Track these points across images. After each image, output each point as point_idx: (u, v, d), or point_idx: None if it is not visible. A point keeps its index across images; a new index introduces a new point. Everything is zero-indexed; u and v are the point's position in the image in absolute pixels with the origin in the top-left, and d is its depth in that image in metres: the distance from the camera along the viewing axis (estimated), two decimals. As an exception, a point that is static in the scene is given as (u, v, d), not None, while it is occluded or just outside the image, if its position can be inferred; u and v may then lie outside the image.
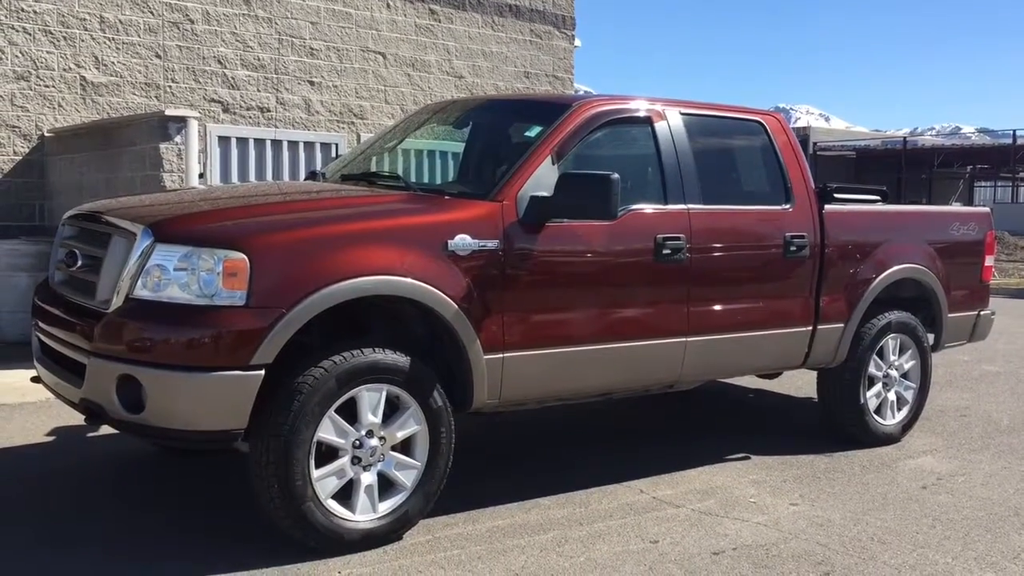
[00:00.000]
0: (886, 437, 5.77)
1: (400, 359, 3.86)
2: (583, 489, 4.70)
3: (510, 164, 4.39)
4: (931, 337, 6.08)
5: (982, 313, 6.36)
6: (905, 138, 49.17)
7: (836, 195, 5.48)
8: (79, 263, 4.00)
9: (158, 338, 3.58)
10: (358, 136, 11.41)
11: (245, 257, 3.56)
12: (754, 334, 5.06)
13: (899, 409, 5.88)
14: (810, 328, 5.31)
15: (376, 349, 3.82)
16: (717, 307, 4.88)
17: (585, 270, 4.41)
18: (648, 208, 4.66)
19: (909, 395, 5.91)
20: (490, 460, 5.20)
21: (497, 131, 5.27)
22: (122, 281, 3.67)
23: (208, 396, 3.54)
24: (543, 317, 4.28)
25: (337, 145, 9.31)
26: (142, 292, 3.63)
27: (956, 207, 7.28)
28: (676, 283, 4.71)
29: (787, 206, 5.23)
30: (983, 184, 49.39)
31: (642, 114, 4.83)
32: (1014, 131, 40.43)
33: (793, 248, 5.15)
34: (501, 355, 4.15)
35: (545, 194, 4.22)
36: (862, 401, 5.64)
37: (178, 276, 3.60)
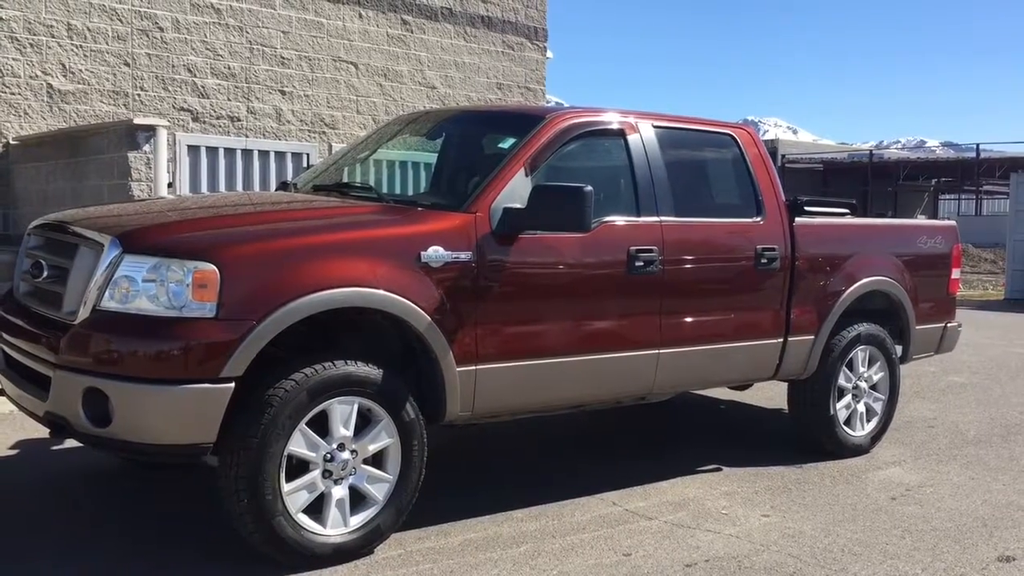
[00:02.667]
0: (855, 448, 5.81)
1: (372, 371, 3.83)
2: (556, 502, 4.68)
3: (483, 176, 4.38)
4: (899, 349, 6.13)
5: (949, 325, 6.43)
6: (871, 151, 49.81)
7: (806, 208, 5.52)
8: (45, 274, 3.94)
9: (126, 350, 3.52)
10: (329, 146, 11.35)
11: (215, 268, 3.52)
12: (726, 346, 5.08)
13: (868, 420, 5.93)
14: (781, 340, 5.34)
15: (348, 361, 3.79)
16: (689, 319, 4.89)
17: (558, 282, 4.40)
18: (621, 220, 4.66)
19: (878, 407, 5.96)
20: (462, 472, 5.17)
21: (470, 142, 5.26)
22: (89, 292, 3.61)
23: (176, 409, 3.49)
24: (516, 329, 4.27)
25: (308, 155, 9.26)
26: (110, 304, 3.58)
27: (923, 220, 7.36)
28: (649, 295, 4.72)
29: (758, 218, 5.26)
30: (947, 197, 50.13)
31: (615, 126, 4.84)
32: (977, 145, 41.20)
33: (764, 260, 5.18)
34: (474, 367, 4.13)
35: (518, 206, 4.21)
36: (832, 412, 5.67)
37: (147, 287, 3.55)
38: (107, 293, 3.58)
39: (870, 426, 5.93)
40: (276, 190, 5.98)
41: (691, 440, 6.18)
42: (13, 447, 5.38)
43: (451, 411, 4.11)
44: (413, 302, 3.89)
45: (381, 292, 3.81)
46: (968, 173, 42.43)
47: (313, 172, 5.60)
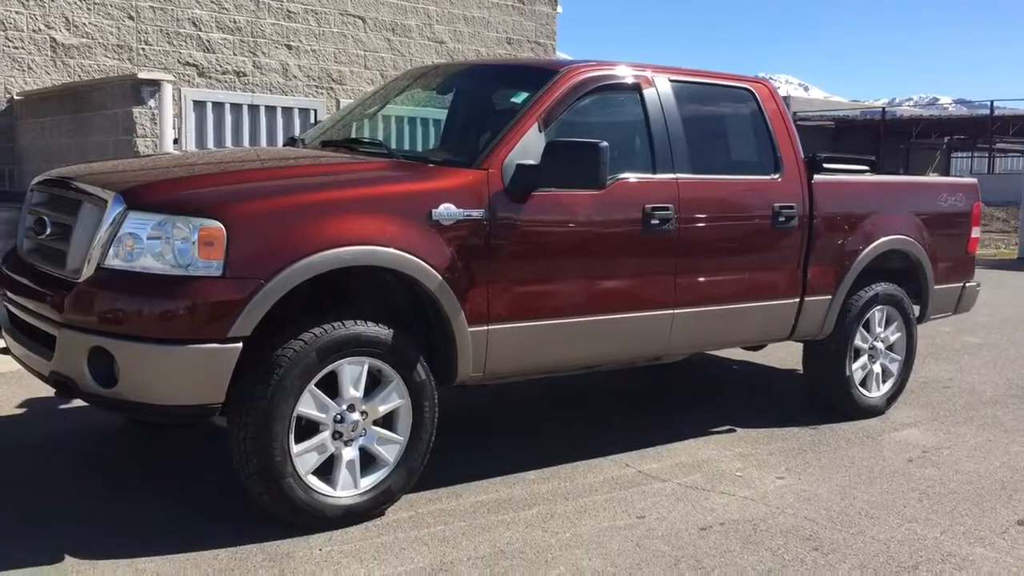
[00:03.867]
0: (871, 409, 5.74)
1: (382, 331, 3.75)
2: (568, 463, 4.63)
3: (495, 131, 4.26)
4: (916, 309, 6.04)
5: (967, 285, 6.32)
6: (884, 108, 49.22)
7: (825, 165, 5.39)
8: (48, 231, 3.86)
9: (131, 309, 3.45)
10: (337, 102, 11.22)
11: (221, 226, 3.43)
12: (742, 306, 4.99)
13: (884, 381, 5.85)
14: (797, 300, 5.24)
15: (358, 321, 3.71)
16: (705, 278, 4.79)
17: (572, 241, 4.30)
18: (636, 177, 4.55)
19: (894, 367, 5.88)
20: (473, 433, 5.12)
21: (482, 97, 5.13)
22: (93, 250, 3.53)
23: (183, 369, 3.42)
24: (529, 288, 4.18)
25: (315, 111, 9.13)
26: (114, 262, 3.49)
27: (944, 178, 7.18)
28: (664, 254, 4.62)
29: (776, 176, 5.14)
30: (960, 155, 49.60)
31: (631, 80, 4.71)
32: (991, 102, 40.59)
33: (782, 219, 5.06)
34: (486, 327, 4.05)
35: (532, 162, 4.10)
36: (848, 373, 5.59)
37: (151, 245, 3.47)
38: (111, 251, 3.49)
39: (886, 387, 5.85)
40: (284, 146, 5.87)
41: (703, 400, 6.12)
42: (20, 405, 5.34)
43: (462, 372, 4.04)
44: (424, 260, 3.80)
45: (391, 250, 3.72)
46: (981, 131, 41.88)
47: (321, 128, 5.49)
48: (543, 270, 4.22)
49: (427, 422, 3.93)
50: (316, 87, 11.42)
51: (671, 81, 4.83)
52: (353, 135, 5.21)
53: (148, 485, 4.18)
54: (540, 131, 4.23)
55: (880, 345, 5.78)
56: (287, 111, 8.94)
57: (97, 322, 3.47)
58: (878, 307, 5.69)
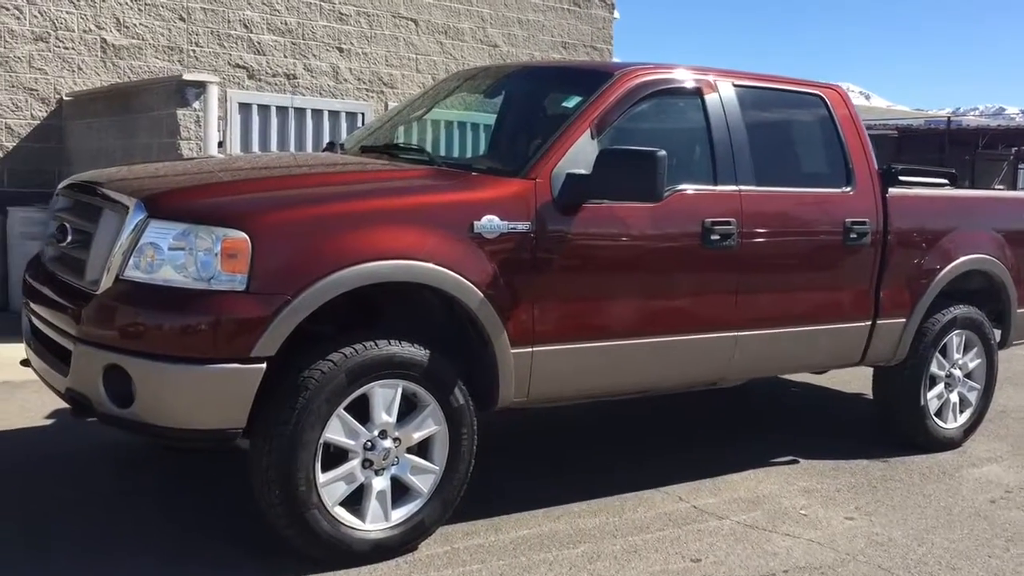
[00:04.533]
0: (947, 442, 5.32)
1: (418, 353, 3.47)
2: (616, 495, 4.30)
3: (545, 138, 3.96)
4: (997, 334, 5.59)
5: (1051, 309, 5.85)
6: (949, 118, 47.86)
7: (901, 177, 4.99)
8: (69, 238, 3.65)
9: (148, 325, 3.21)
10: (386, 105, 11.01)
11: (246, 236, 3.17)
12: (809, 329, 4.62)
13: (961, 412, 5.42)
14: (869, 323, 4.85)
15: (392, 341, 3.43)
16: (769, 299, 4.44)
17: (625, 256, 3.99)
18: (695, 189, 4.21)
19: (972, 396, 5.45)
20: (516, 459, 4.82)
21: (532, 101, 4.82)
22: (112, 260, 3.30)
23: (204, 390, 3.17)
24: (577, 308, 3.87)
25: (363, 114, 8.92)
26: (134, 273, 3.26)
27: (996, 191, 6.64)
28: (725, 272, 4.27)
29: (847, 188, 4.76)
30: (1029, 167, 47.96)
31: (691, 85, 4.37)
32: (1065, 112, 39.12)
33: (854, 235, 4.68)
34: (530, 348, 3.74)
35: (583, 172, 3.79)
36: (923, 403, 5.18)
37: (173, 256, 3.23)
38: (131, 261, 3.26)
39: (963, 418, 5.42)
40: (323, 151, 5.64)
41: (763, 427, 5.74)
42: (50, 416, 5.17)
43: (504, 396, 3.74)
44: (464, 276, 3.51)
45: (430, 265, 3.44)
46: (1051, 142, 40.47)
47: (363, 132, 5.24)
48: (593, 288, 3.91)
49: (465, 450, 3.64)
50: (367, 90, 11.23)
51: (735, 86, 4.49)
52: (395, 140, 4.94)
53: (169, 508, 3.94)
54: (592, 138, 3.92)
55: (958, 372, 5.36)
56: (334, 114, 8.73)
57: (114, 337, 3.24)
58: (956, 331, 5.27)
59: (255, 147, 8.23)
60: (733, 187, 4.29)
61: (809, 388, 6.73)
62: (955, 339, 5.30)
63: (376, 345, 3.39)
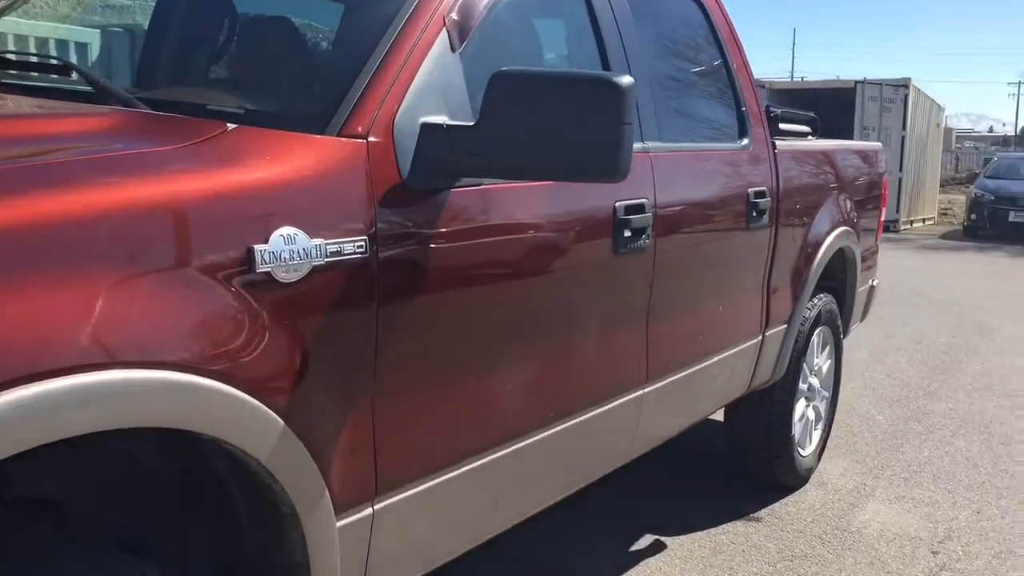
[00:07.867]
0: (806, 473, 4.06)
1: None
2: None
3: (354, 48, 1.86)
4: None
5: (873, 284, 4.86)
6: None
7: (780, 124, 3.55)
8: None
9: None
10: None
11: None
12: (715, 359, 3.03)
13: (815, 429, 4.19)
14: (760, 337, 3.39)
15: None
16: (680, 328, 2.76)
17: (518, 289, 2.05)
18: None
19: (823, 407, 4.25)
20: None
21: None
22: None
23: None
24: (455, 400, 1.88)
25: None
26: None
27: (851, 142, 5.38)
28: (635, 292, 2.51)
29: (744, 142, 3.20)
30: None
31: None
32: None
33: (755, 215, 3.15)
34: (369, 509, 1.71)
35: (457, 122, 1.79)
36: (792, 432, 3.85)
37: None
38: None
39: (816, 436, 4.19)
40: None
41: (600, 499, 4.07)
42: None
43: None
44: (246, 391, 1.38)
45: (152, 377, 1.26)
46: None
47: None
48: (479, 356, 1.94)
49: None
50: None
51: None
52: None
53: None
54: (453, 50, 1.91)
55: (816, 381, 4.11)
56: None
57: None
58: (818, 330, 4.01)
59: None
60: (639, 144, 2.48)
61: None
62: (815, 339, 4.03)
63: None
